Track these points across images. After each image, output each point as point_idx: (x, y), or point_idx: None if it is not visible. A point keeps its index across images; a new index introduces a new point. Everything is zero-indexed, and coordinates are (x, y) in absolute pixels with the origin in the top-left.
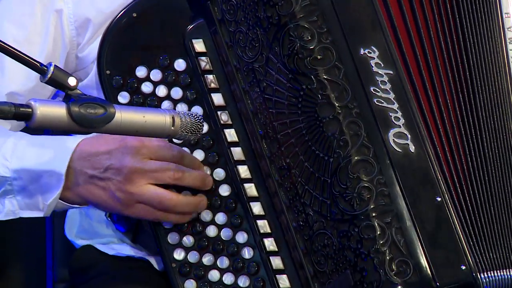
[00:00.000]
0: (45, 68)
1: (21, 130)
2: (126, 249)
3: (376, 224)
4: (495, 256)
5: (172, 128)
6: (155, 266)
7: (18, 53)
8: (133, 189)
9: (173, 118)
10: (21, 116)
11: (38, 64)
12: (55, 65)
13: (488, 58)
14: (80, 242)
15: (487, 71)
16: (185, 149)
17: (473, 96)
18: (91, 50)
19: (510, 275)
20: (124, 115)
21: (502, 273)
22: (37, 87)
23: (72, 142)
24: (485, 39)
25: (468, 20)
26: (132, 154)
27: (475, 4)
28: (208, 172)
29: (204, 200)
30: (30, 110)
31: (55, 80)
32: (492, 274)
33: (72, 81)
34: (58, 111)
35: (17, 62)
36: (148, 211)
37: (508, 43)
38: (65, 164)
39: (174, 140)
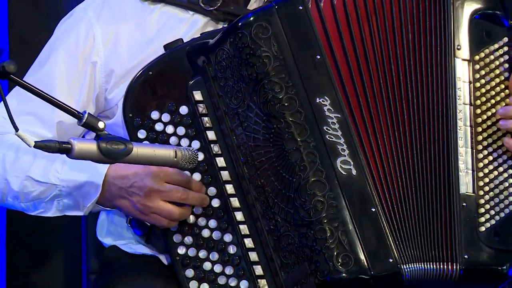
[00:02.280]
0: (81, 115)
1: None
2: (141, 248)
3: (327, 228)
4: (414, 252)
5: (175, 159)
6: (163, 261)
7: (63, 105)
8: (150, 203)
9: (175, 152)
10: (63, 150)
11: (76, 112)
12: (88, 112)
13: (429, 110)
14: (107, 242)
15: (425, 117)
16: (187, 172)
17: (409, 134)
18: (115, 94)
19: (425, 267)
20: (140, 150)
21: (419, 265)
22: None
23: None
24: (430, 92)
25: (411, 78)
26: (152, 177)
27: (419, 64)
28: (203, 189)
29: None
30: (70, 146)
31: (88, 124)
32: (412, 266)
33: (101, 125)
34: (90, 146)
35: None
36: (158, 220)
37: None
38: (102, 178)
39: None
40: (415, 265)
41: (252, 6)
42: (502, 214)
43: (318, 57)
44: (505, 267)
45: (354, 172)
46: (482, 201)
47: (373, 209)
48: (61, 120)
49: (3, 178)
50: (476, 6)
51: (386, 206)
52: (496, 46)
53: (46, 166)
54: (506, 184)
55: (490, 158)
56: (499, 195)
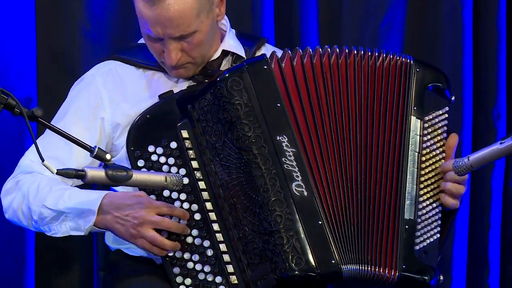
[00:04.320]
0: (93, 149)
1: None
2: (139, 251)
3: (284, 236)
4: (352, 256)
5: (165, 183)
6: (156, 262)
7: (79, 141)
8: (141, 229)
9: (165, 178)
10: (79, 176)
11: (89, 147)
12: (98, 147)
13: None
14: (113, 246)
15: (372, 157)
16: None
17: (355, 166)
18: (121, 141)
19: (360, 268)
20: (138, 176)
21: (355, 266)
22: (88, 163)
23: (103, 193)
24: (383, 138)
25: (362, 125)
26: (145, 209)
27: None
28: (187, 206)
29: (178, 246)
30: (84, 172)
31: (98, 155)
32: (350, 266)
33: (108, 156)
34: (100, 173)
35: (80, 149)
36: (144, 244)
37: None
38: (97, 206)
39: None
40: (352, 266)
41: (224, 66)
42: (431, 239)
43: (279, 105)
44: (427, 278)
45: (305, 193)
46: (419, 226)
47: (320, 222)
48: (77, 162)
49: (27, 207)
50: (431, 79)
51: (330, 219)
52: (440, 112)
53: (57, 198)
54: (436, 217)
55: (428, 195)
56: (431, 224)
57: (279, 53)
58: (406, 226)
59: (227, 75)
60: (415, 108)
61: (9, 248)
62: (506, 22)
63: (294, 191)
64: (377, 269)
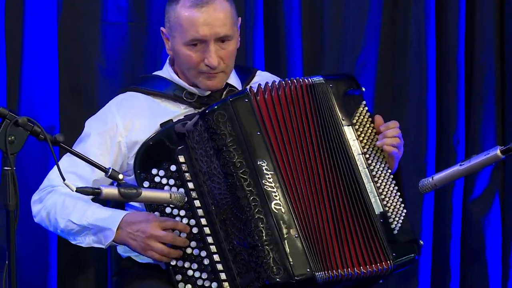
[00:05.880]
0: (107, 170)
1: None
2: (146, 259)
3: (265, 249)
4: (324, 264)
5: (170, 199)
6: (162, 267)
7: (95, 163)
8: (149, 243)
9: (170, 195)
10: (95, 193)
11: (103, 168)
12: (112, 168)
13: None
14: (124, 254)
15: (332, 168)
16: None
17: (323, 181)
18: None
19: (331, 274)
20: (146, 193)
21: (328, 273)
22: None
23: (120, 214)
24: (333, 151)
25: (319, 144)
26: (152, 226)
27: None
28: (186, 221)
29: (181, 253)
30: (99, 190)
31: (112, 176)
32: (323, 272)
33: (120, 176)
34: (113, 191)
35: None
36: (153, 255)
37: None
38: (116, 226)
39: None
40: (324, 272)
41: (223, 97)
42: (402, 216)
43: (258, 133)
44: (416, 252)
45: (283, 210)
46: (389, 213)
47: (296, 236)
48: (96, 179)
49: (54, 217)
50: (343, 88)
51: (305, 233)
52: (361, 108)
53: (81, 214)
54: (397, 195)
55: (383, 184)
56: (396, 205)
57: (271, 78)
58: (381, 220)
59: (215, 107)
60: (343, 119)
61: (34, 256)
62: (465, 60)
63: (273, 209)
64: (374, 267)
